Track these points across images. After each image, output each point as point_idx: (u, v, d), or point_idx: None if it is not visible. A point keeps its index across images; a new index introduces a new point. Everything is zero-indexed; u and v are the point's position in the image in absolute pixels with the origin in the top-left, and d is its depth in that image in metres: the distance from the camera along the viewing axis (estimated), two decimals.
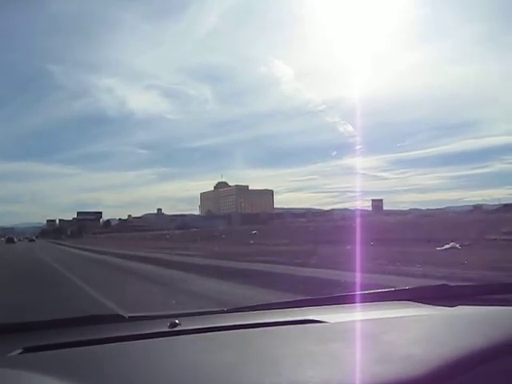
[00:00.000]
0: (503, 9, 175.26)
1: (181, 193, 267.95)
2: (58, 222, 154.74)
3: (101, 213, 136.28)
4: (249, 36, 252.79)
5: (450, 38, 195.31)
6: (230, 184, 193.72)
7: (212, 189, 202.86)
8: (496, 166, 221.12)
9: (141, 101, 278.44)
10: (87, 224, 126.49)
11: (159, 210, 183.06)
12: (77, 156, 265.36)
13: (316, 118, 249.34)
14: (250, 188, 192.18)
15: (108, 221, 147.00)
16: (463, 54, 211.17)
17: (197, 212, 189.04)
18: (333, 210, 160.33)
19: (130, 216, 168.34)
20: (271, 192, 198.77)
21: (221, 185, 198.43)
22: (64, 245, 53.71)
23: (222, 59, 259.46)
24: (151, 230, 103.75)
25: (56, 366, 1.10)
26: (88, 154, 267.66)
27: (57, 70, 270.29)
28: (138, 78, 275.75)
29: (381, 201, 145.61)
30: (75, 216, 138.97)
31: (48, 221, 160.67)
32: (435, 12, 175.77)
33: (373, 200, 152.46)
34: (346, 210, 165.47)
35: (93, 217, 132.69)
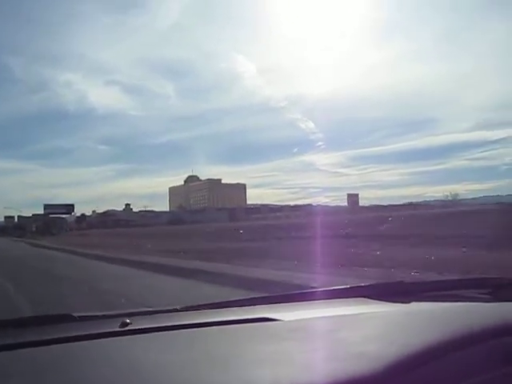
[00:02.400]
0: (464, 7, 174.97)
1: (144, 189, 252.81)
2: (16, 218, 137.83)
3: (73, 205, 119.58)
4: (211, 31, 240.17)
5: (412, 37, 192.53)
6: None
7: (180, 184, 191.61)
8: (453, 163, 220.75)
9: (102, 96, 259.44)
10: (53, 220, 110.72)
11: (127, 205, 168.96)
12: (34, 152, 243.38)
13: (278, 115, 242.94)
14: (222, 182, 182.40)
15: (83, 215, 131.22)
16: (424, 52, 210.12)
17: (162, 208, 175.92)
18: (296, 205, 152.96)
19: (94, 212, 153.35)
20: (244, 186, 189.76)
21: (191, 179, 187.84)
22: (44, 247, 33.63)
23: (185, 54, 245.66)
24: (140, 226, 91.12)
25: None
26: (47, 149, 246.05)
27: (14, 62, 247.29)
28: (98, 73, 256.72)
29: (357, 195, 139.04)
30: (35, 212, 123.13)
31: (6, 217, 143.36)
32: (397, 11, 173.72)
33: (349, 194, 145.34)
34: (309, 205, 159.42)
35: (63, 210, 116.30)
